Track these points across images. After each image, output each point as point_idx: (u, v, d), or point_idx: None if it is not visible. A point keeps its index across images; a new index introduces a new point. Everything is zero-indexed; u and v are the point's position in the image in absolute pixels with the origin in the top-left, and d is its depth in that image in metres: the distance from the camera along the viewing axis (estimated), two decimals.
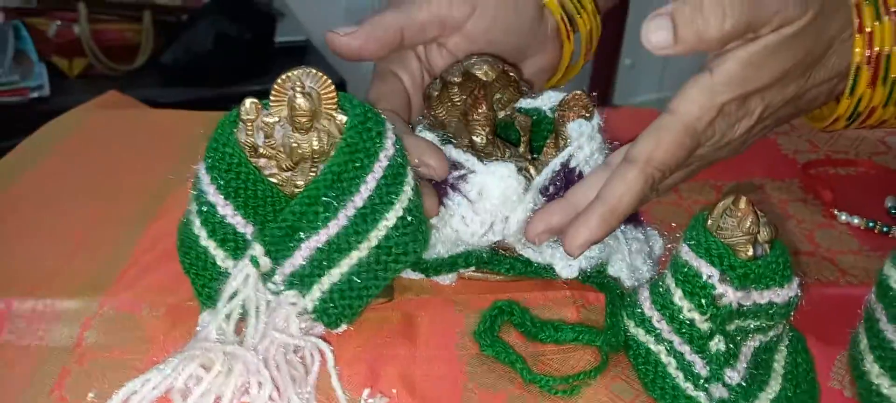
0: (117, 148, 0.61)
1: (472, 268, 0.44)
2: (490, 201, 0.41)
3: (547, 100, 0.47)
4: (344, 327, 0.40)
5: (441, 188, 0.43)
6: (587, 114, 0.44)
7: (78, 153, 0.61)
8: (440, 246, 0.43)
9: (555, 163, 0.42)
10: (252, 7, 1.34)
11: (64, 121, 0.65)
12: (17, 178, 0.56)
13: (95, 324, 0.40)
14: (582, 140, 0.42)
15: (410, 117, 0.48)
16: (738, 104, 0.39)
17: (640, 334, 0.39)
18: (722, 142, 0.41)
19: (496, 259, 0.43)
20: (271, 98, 0.38)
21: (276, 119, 0.38)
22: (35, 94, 1.14)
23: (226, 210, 0.38)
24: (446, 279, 0.45)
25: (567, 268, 0.42)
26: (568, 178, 0.42)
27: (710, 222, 0.38)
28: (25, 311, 0.41)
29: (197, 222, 0.39)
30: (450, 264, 0.43)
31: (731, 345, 0.38)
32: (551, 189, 0.42)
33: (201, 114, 0.66)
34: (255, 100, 0.38)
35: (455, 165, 0.42)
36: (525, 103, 0.48)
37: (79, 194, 0.54)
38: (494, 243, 0.43)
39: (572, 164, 0.42)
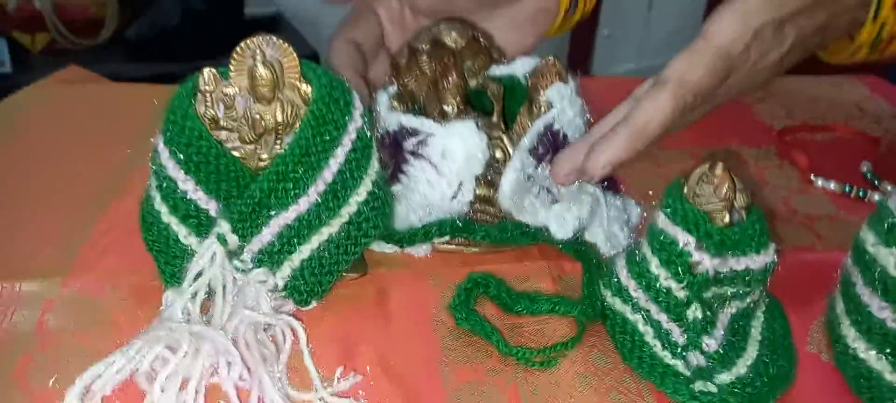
0: (77, 124, 0.59)
1: (447, 239, 0.43)
2: (454, 162, 0.41)
3: (520, 67, 0.46)
4: (314, 304, 0.39)
5: (401, 156, 0.42)
6: (562, 81, 0.43)
7: (36, 130, 0.58)
8: (412, 215, 0.43)
9: (538, 125, 0.41)
10: None
11: (21, 97, 0.62)
12: None
13: (57, 307, 0.39)
14: (563, 104, 0.42)
15: (375, 56, 0.47)
16: (774, 29, 0.38)
17: (616, 303, 0.39)
18: (754, 69, 0.39)
19: (471, 226, 0.42)
20: (231, 67, 0.36)
21: (237, 89, 0.37)
22: None
23: (187, 185, 0.37)
24: (420, 251, 0.44)
25: (561, 229, 0.42)
26: (553, 141, 0.42)
27: (686, 189, 0.37)
28: None
29: (158, 197, 0.37)
30: (423, 233, 0.42)
31: (708, 313, 0.38)
32: (540, 149, 0.41)
33: (164, 88, 0.64)
34: (213, 70, 0.36)
35: (412, 132, 0.41)
36: (497, 70, 0.46)
37: (37, 173, 0.52)
38: (469, 209, 0.42)
39: (556, 127, 0.42)
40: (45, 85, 0.65)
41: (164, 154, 0.37)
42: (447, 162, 0.41)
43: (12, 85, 0.83)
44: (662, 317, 0.38)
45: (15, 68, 1.13)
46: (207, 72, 0.36)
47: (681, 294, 0.37)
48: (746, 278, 0.37)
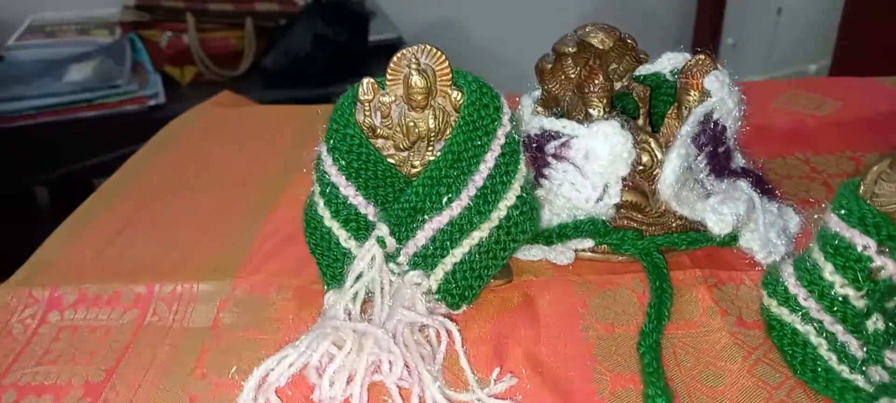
0: (234, 141, 0.64)
1: (590, 247, 0.43)
2: (598, 162, 0.40)
3: (666, 63, 0.45)
4: (464, 307, 0.39)
5: (542, 159, 0.41)
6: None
7: (199, 147, 0.64)
8: (555, 220, 0.42)
9: (699, 112, 0.40)
10: (346, 8, 1.36)
11: (186, 118, 0.68)
12: (146, 172, 0.59)
13: (230, 306, 0.42)
14: (723, 93, 0.40)
15: None
16: None
17: (784, 314, 0.36)
18: None
19: (610, 230, 0.41)
20: (387, 77, 0.38)
21: (393, 98, 0.38)
22: (152, 102, 1.21)
23: (348, 190, 0.39)
24: (564, 259, 0.43)
25: (719, 224, 0.39)
26: (714, 131, 0.40)
27: (862, 189, 0.34)
28: (166, 294, 0.43)
29: (320, 203, 0.39)
30: (574, 228, 0.41)
31: (892, 324, 0.35)
32: (702, 138, 0.40)
33: (310, 108, 0.68)
34: (372, 80, 0.38)
35: (554, 134, 0.41)
36: (643, 69, 0.45)
37: (202, 184, 0.57)
38: (615, 215, 0.41)
39: (715, 116, 0.40)
40: (205, 107, 0.71)
41: (328, 160, 0.39)
42: (591, 163, 0.40)
43: (166, 114, 0.92)
44: (838, 329, 0.35)
45: (167, 98, 1.24)
46: (367, 82, 0.38)
47: (859, 303, 0.34)
48: None
